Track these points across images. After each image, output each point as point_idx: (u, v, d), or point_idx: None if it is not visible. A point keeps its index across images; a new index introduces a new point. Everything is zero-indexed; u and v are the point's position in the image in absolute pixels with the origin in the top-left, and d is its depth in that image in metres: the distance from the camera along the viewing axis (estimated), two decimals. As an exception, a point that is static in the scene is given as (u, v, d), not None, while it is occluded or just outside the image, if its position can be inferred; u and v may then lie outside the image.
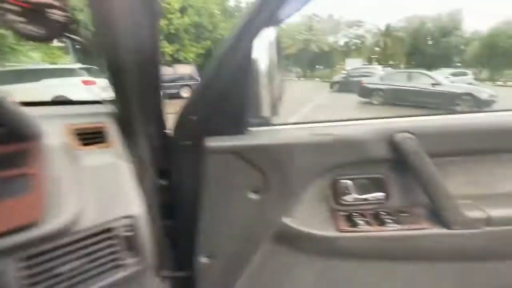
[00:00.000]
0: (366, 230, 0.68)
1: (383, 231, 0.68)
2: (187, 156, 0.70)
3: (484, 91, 8.34)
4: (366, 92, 10.27)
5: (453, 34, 29.51)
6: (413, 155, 0.66)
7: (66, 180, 0.55)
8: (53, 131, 0.61)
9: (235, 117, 0.68)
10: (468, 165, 0.72)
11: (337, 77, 17.96)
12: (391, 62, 33.01)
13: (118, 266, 0.56)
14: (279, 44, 0.94)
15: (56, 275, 0.50)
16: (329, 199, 0.74)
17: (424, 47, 29.90)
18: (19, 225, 0.47)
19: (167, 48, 17.56)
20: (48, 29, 0.51)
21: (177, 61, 17.13)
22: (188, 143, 0.70)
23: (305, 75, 34.20)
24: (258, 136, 0.69)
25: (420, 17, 31.81)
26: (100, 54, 0.58)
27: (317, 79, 29.51)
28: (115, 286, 0.56)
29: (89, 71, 8.03)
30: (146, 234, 0.58)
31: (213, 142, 0.66)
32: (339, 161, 0.69)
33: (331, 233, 0.69)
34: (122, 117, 0.68)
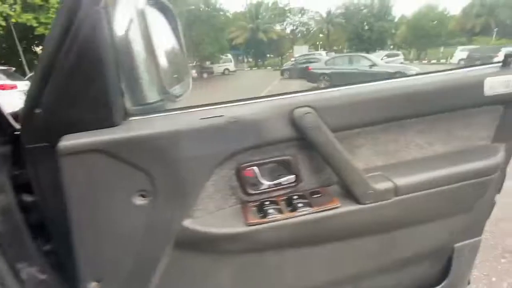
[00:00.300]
0: (275, 219, 0.61)
1: (294, 217, 0.61)
2: (45, 161, 0.54)
3: (412, 69, 9.35)
4: (313, 77, 10.69)
5: (385, 19, 32.29)
6: (314, 131, 0.60)
7: None
8: None
9: (99, 106, 0.53)
10: (375, 135, 0.70)
11: (286, 65, 18.40)
12: (335, 48, 34.98)
13: None
14: (173, 18, 0.80)
15: None
16: (237, 191, 0.65)
17: (362, 32, 32.20)
18: None
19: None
20: None
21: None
22: (41, 145, 0.54)
23: (257, 64, 34.35)
24: (134, 127, 0.55)
25: (355, 4, 34.05)
26: None
27: (269, 67, 29.89)
28: None
29: (6, 74, 6.78)
30: None
31: (68, 141, 0.51)
32: (238, 146, 0.59)
33: (239, 228, 0.61)
34: None
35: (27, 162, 0.57)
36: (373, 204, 0.66)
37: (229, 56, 24.92)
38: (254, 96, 0.63)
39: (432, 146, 0.75)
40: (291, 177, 0.67)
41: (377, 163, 0.73)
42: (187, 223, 0.61)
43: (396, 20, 34.02)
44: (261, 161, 0.64)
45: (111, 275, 0.61)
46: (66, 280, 0.67)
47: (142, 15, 0.60)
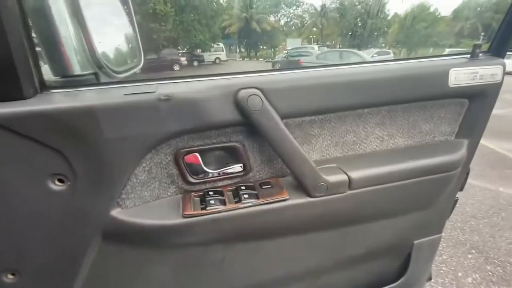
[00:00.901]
0: (215, 210, 0.55)
1: (236, 208, 0.56)
2: None
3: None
4: (303, 71, 10.59)
5: (378, 16, 32.41)
6: (261, 116, 0.54)
7: None
8: None
9: (6, 74, 0.45)
10: (331, 124, 0.64)
11: (278, 57, 18.20)
12: (328, 43, 34.91)
13: None
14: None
15: None
16: (177, 179, 0.59)
17: (355, 28, 32.24)
18: None
19: None
20: None
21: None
22: None
23: (249, 55, 33.86)
24: (47, 100, 0.47)
25: (350, -1, 33.94)
26: None
27: (261, 59, 29.54)
28: None
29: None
30: None
31: None
32: (172, 128, 0.52)
33: (174, 220, 0.55)
34: None
35: None
36: (324, 197, 0.61)
37: (221, 45, 24.39)
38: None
39: (392, 138, 0.71)
40: (239, 166, 0.61)
41: (334, 154, 0.68)
42: (116, 213, 0.54)
43: (389, 18, 34.24)
44: (203, 147, 0.58)
45: (28, 268, 0.54)
46: None
47: None
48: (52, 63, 0.52)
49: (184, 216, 0.55)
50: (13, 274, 0.54)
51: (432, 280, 1.68)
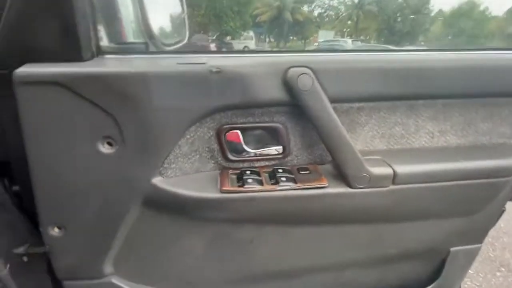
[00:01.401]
0: (253, 189, 0.55)
1: (274, 190, 0.55)
2: (5, 92, 0.49)
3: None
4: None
5: (420, 12, 30.22)
6: (309, 95, 0.52)
7: None
8: None
9: (67, 36, 0.46)
10: (380, 114, 0.61)
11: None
12: (361, 37, 33.31)
13: None
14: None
15: None
16: (216, 155, 0.59)
17: (393, 23, 30.38)
18: None
19: None
20: None
21: None
22: (2, 72, 0.48)
23: (278, 45, 33.28)
24: (104, 64, 0.49)
25: (392, -8, 31.87)
26: None
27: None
28: None
29: None
30: None
31: (26, 69, 0.45)
32: (219, 102, 0.52)
33: (212, 194, 0.55)
34: None
35: None
36: (365, 190, 0.59)
37: (251, 33, 24.22)
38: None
39: (444, 135, 0.66)
40: (279, 148, 0.60)
41: (379, 146, 0.65)
42: (157, 181, 0.56)
43: (432, 14, 31.81)
44: (246, 125, 0.57)
45: (74, 224, 0.58)
46: (34, 223, 0.64)
47: None
48: (109, 29, 0.53)
49: (222, 191, 0.56)
50: (59, 228, 0.58)
51: (456, 294, 1.61)
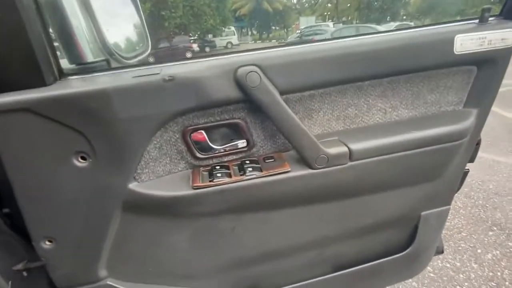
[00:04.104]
0: (221, 183, 0.59)
1: (241, 180, 0.60)
2: None
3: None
4: (318, 50, 10.28)
5: (399, -14, 30.09)
6: (260, 92, 0.56)
7: None
8: None
9: (28, 64, 0.50)
10: (331, 98, 0.65)
11: (291, 37, 17.67)
12: (343, 19, 33.16)
13: None
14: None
15: None
16: (186, 155, 0.64)
17: (373, 1, 30.25)
18: None
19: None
20: None
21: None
22: None
23: (261, 37, 33.03)
24: (67, 86, 0.53)
25: (368, -31, 31.59)
26: None
27: (274, 40, 28.74)
28: None
29: None
30: None
31: None
32: (178, 107, 0.56)
33: (184, 192, 0.60)
34: None
35: None
36: (325, 169, 0.64)
37: (232, 28, 23.98)
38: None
39: (396, 110, 0.71)
40: (243, 142, 0.65)
41: (336, 128, 0.70)
42: (133, 186, 0.60)
43: (410, -13, 31.68)
44: (208, 124, 0.62)
45: (63, 235, 0.62)
46: (27, 240, 0.69)
47: None
48: (68, 52, 0.56)
49: (194, 188, 0.60)
50: (50, 241, 0.63)
51: (450, 256, 1.68)
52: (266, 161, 0.65)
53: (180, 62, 0.58)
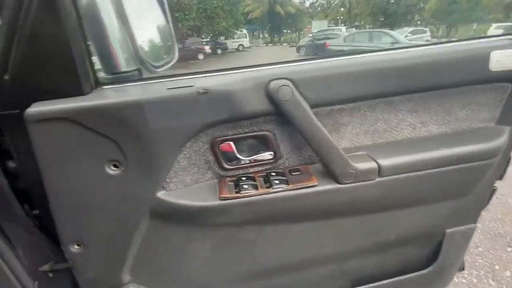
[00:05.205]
0: (249, 194, 0.60)
1: (268, 193, 0.60)
2: (21, 129, 0.54)
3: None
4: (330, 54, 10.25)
5: (414, -9, 29.66)
6: (290, 105, 0.56)
7: None
8: None
9: (66, 73, 0.52)
10: (361, 112, 0.65)
11: (303, 41, 17.65)
12: (356, 23, 32.91)
13: None
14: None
15: None
16: (213, 165, 0.64)
17: (387, 6, 29.90)
18: None
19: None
20: None
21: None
22: (15, 112, 0.54)
23: (273, 40, 33.11)
24: (103, 96, 0.54)
25: (383, -26, 31.27)
26: None
27: (285, 44, 28.77)
28: None
29: None
30: None
31: (35, 108, 0.51)
32: (209, 119, 0.57)
33: (211, 202, 0.60)
34: None
35: (2, 128, 0.58)
36: (353, 184, 0.63)
37: (244, 31, 24.13)
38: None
39: (425, 126, 0.69)
40: (270, 153, 0.65)
41: (363, 142, 0.69)
42: (161, 194, 0.61)
43: (426, -8, 31.15)
44: (237, 136, 0.62)
45: (91, 240, 0.64)
46: (55, 242, 0.71)
47: None
48: (103, 62, 0.58)
49: (221, 199, 0.61)
50: (78, 245, 0.64)
51: (466, 271, 1.63)
52: (292, 173, 0.65)
53: (213, 73, 0.58)
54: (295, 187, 0.61)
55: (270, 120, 0.62)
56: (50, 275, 0.75)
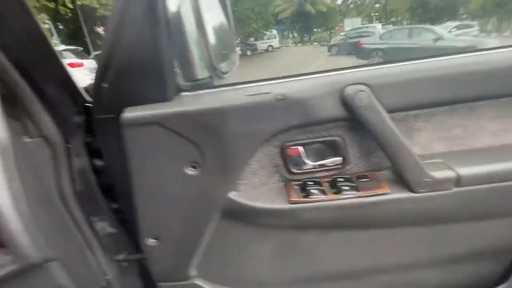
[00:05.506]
0: (318, 199, 0.60)
1: (338, 199, 0.60)
2: (112, 131, 0.61)
3: (489, 43, 7.90)
4: (365, 53, 9.84)
5: (459, -18, 27.28)
6: (367, 111, 0.56)
7: None
8: None
9: (155, 82, 0.57)
10: (437, 118, 0.62)
11: (335, 40, 17.14)
12: (392, 19, 31.15)
13: None
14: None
15: None
16: (280, 169, 0.66)
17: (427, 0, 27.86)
18: None
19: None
20: None
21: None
22: (109, 117, 0.60)
23: (302, 40, 32.65)
24: (186, 102, 0.58)
25: (423, -34, 29.20)
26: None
27: (315, 43, 28.21)
28: None
29: (75, 53, 7.68)
30: (18, 227, 0.50)
31: (130, 113, 0.56)
32: (282, 124, 0.59)
33: (281, 205, 0.62)
34: (8, 93, 0.57)
35: (96, 131, 0.65)
36: (428, 194, 0.60)
37: (274, 32, 24.11)
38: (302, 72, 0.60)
39: (509, 133, 0.64)
40: (338, 159, 0.65)
41: (438, 149, 0.66)
42: (233, 195, 0.64)
43: (473, -17, 28.48)
44: (306, 141, 0.63)
45: (166, 235, 0.69)
46: (130, 234, 0.77)
47: None
48: (183, 70, 0.62)
49: (290, 202, 0.62)
50: (154, 239, 0.70)
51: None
52: (361, 180, 0.64)
53: (288, 79, 0.60)
54: (366, 194, 0.61)
55: (341, 125, 0.62)
56: (124, 264, 0.83)
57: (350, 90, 0.55)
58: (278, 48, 22.93)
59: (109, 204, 0.76)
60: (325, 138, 0.63)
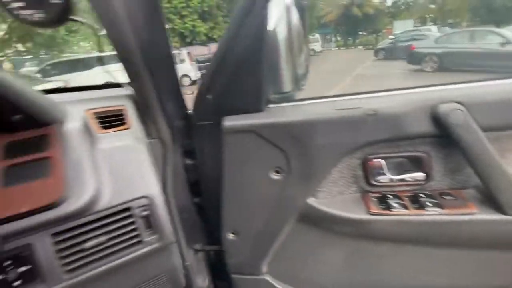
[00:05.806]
0: (400, 213, 0.61)
1: (421, 214, 0.60)
2: (208, 136, 0.70)
3: None
4: (417, 58, 9.13)
5: (535, -23, 23.82)
6: (462, 130, 0.56)
7: (85, 163, 0.58)
8: (74, 116, 0.63)
9: (252, 94, 0.64)
10: None
11: (382, 43, 16.26)
12: (450, 21, 28.44)
13: (137, 243, 0.59)
14: (302, 9, 0.84)
15: (81, 250, 0.55)
16: (359, 180, 0.68)
17: (493, -2, 24.87)
18: (42, 205, 0.50)
19: (201, 27, 17.52)
20: (48, 12, 0.48)
21: (212, 40, 17.02)
22: (208, 123, 0.69)
23: (346, 43, 31.54)
24: (277, 113, 0.65)
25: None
26: (107, 36, 0.57)
27: (360, 47, 27.05)
28: (136, 261, 0.60)
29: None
30: (163, 213, 0.59)
31: (230, 121, 0.64)
32: (369, 138, 0.61)
33: (359, 215, 0.64)
34: (140, 98, 0.69)
35: (194, 135, 0.74)
36: None
37: (316, 35, 23.70)
38: (393, 87, 0.62)
39: None
40: (419, 175, 0.65)
41: None
42: (311, 201, 0.69)
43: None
44: (389, 155, 0.64)
45: (245, 231, 0.76)
46: (207, 227, 0.86)
47: (288, 10, 0.66)
48: (273, 84, 0.68)
49: (370, 213, 0.64)
50: (234, 234, 0.77)
51: None
52: (444, 197, 0.63)
53: (377, 94, 0.62)
54: (452, 213, 0.60)
55: (428, 142, 0.62)
56: (200, 254, 0.92)
57: (444, 108, 0.56)
58: (320, 51, 22.48)
59: (192, 198, 0.86)
60: (409, 153, 0.64)
